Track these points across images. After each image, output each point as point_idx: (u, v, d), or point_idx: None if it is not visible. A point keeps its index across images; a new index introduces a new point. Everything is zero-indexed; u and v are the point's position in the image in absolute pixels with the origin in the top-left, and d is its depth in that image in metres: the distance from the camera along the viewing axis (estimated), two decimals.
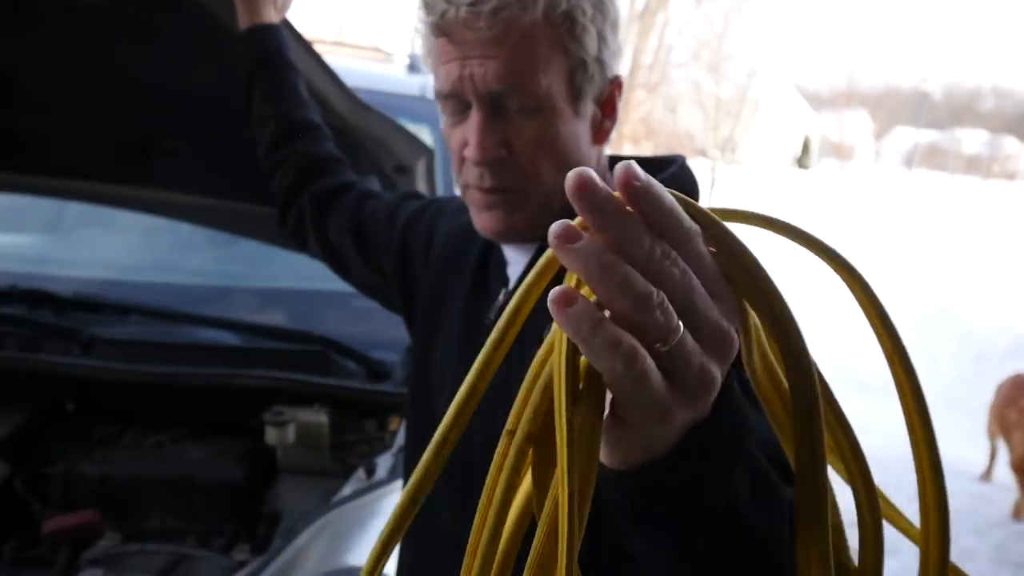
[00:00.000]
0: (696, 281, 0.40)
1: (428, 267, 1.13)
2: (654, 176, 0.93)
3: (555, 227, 0.41)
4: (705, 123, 23.67)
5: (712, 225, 0.43)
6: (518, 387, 0.82)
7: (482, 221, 0.92)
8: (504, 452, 0.45)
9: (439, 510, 1.00)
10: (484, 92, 0.85)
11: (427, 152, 1.76)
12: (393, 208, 1.22)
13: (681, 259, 0.40)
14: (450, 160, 1.15)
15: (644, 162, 1.02)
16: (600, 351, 0.39)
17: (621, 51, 0.92)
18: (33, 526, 1.71)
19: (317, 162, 1.31)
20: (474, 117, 0.86)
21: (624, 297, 0.38)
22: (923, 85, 21.87)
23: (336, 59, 3.05)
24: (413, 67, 3.01)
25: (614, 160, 1.01)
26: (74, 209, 2.33)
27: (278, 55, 1.34)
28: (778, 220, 0.46)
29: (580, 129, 0.91)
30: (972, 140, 59.10)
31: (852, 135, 64.39)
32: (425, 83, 2.77)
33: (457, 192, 1.07)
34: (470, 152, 0.87)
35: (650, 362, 0.39)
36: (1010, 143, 62.59)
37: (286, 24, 1.41)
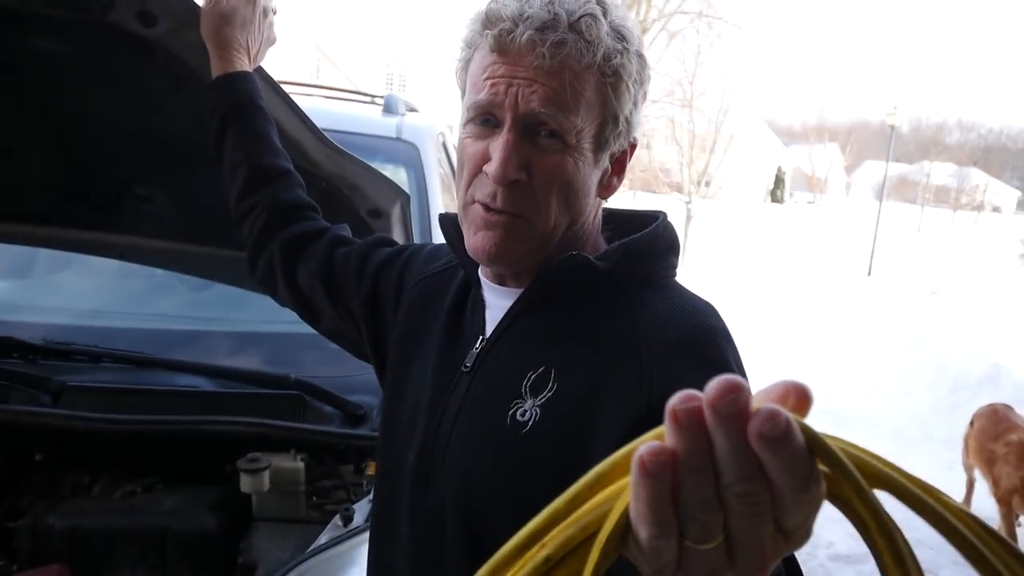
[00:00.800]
0: (764, 525, 0.39)
1: (399, 313, 1.12)
2: (637, 232, 0.96)
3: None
4: (680, 158, 23.94)
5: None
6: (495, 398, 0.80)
7: (478, 240, 0.92)
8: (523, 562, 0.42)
9: (399, 519, 1.00)
10: (523, 112, 0.86)
11: (402, 196, 1.76)
12: (364, 254, 1.21)
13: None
14: (425, 204, 1.15)
15: (628, 218, 1.04)
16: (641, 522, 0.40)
17: (640, 120, 0.96)
18: None
19: (287, 209, 1.31)
20: (504, 135, 0.88)
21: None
22: (890, 119, 22.33)
23: (313, 101, 3.07)
24: (388, 109, 3.01)
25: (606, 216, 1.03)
26: (46, 254, 2.30)
27: (250, 103, 1.34)
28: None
29: (594, 177, 0.93)
30: (940, 172, 60.30)
31: (824, 168, 65.54)
32: (401, 124, 2.78)
33: (435, 237, 1.07)
34: (492, 167, 0.88)
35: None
36: (976, 174, 64.02)
37: (259, 71, 1.42)
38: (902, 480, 0.41)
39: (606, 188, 0.97)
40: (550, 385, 0.88)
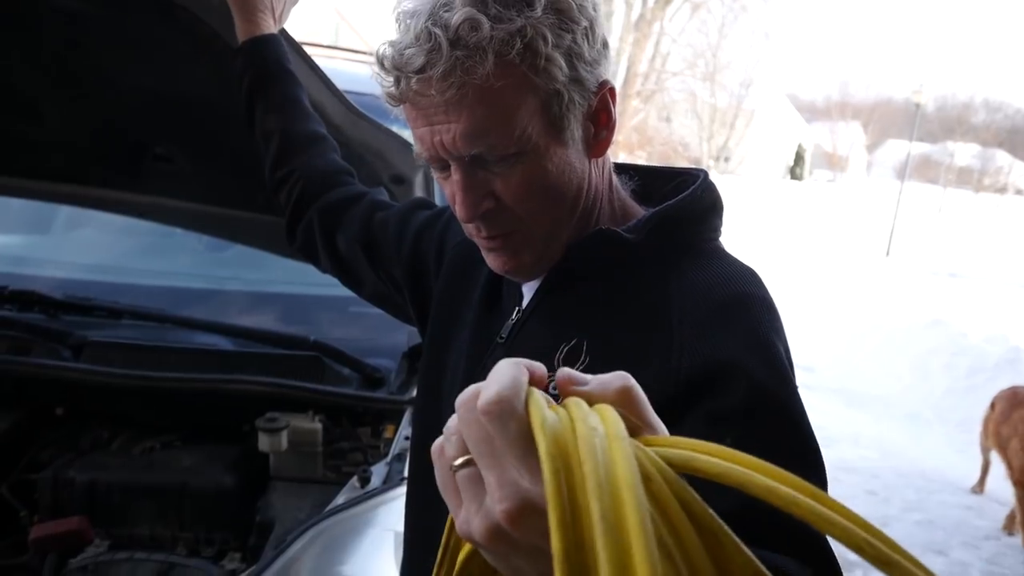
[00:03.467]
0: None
1: (440, 277, 1.11)
2: (675, 196, 0.92)
3: None
4: (700, 132, 23.79)
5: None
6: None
7: (491, 261, 0.91)
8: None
9: (440, 521, 0.99)
10: (455, 154, 0.82)
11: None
12: (404, 218, 1.19)
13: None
14: None
15: (667, 176, 0.99)
16: None
17: (605, 52, 0.87)
18: (20, 533, 1.69)
19: (324, 175, 1.29)
20: (454, 177, 0.84)
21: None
22: (915, 97, 21.96)
23: (332, 63, 3.05)
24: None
25: (621, 168, 0.98)
26: (66, 210, 2.30)
27: (278, 67, 1.31)
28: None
29: (570, 155, 0.87)
30: (963, 153, 59.53)
31: (845, 146, 64.78)
32: None
33: None
34: (457, 211, 0.86)
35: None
36: (1001, 156, 63.12)
37: (283, 33, 1.39)
38: None
39: (597, 146, 0.90)
40: (582, 357, 0.86)
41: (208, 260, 2.28)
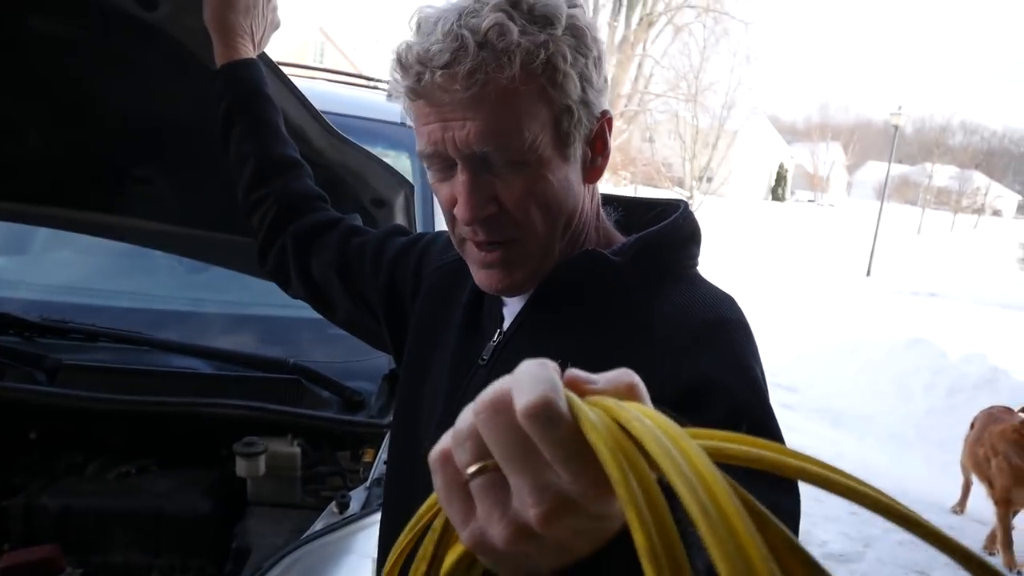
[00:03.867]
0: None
1: (417, 302, 1.11)
2: (656, 224, 0.94)
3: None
4: (683, 153, 23.99)
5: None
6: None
7: (481, 279, 0.91)
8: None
9: (413, 506, 0.99)
10: (466, 152, 0.83)
11: (406, 185, 1.74)
12: (380, 243, 1.20)
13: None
14: (430, 191, 1.11)
15: (646, 205, 1.02)
16: None
17: (607, 86, 0.90)
18: None
19: (298, 200, 1.29)
20: (460, 177, 0.85)
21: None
22: (894, 119, 22.29)
23: (316, 84, 3.05)
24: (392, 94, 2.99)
25: (606, 199, 1.01)
26: (44, 232, 2.28)
27: (256, 91, 1.32)
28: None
29: (571, 174, 0.89)
30: (941, 174, 60.32)
31: (826, 167, 65.54)
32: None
33: (440, 226, 1.05)
34: (459, 212, 0.86)
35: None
36: (978, 177, 64.04)
37: (262, 57, 1.39)
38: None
39: (592, 172, 0.93)
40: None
41: (187, 282, 2.26)
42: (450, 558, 0.50)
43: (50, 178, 1.83)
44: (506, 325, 0.96)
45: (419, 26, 0.84)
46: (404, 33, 0.89)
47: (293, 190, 1.29)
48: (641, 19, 21.87)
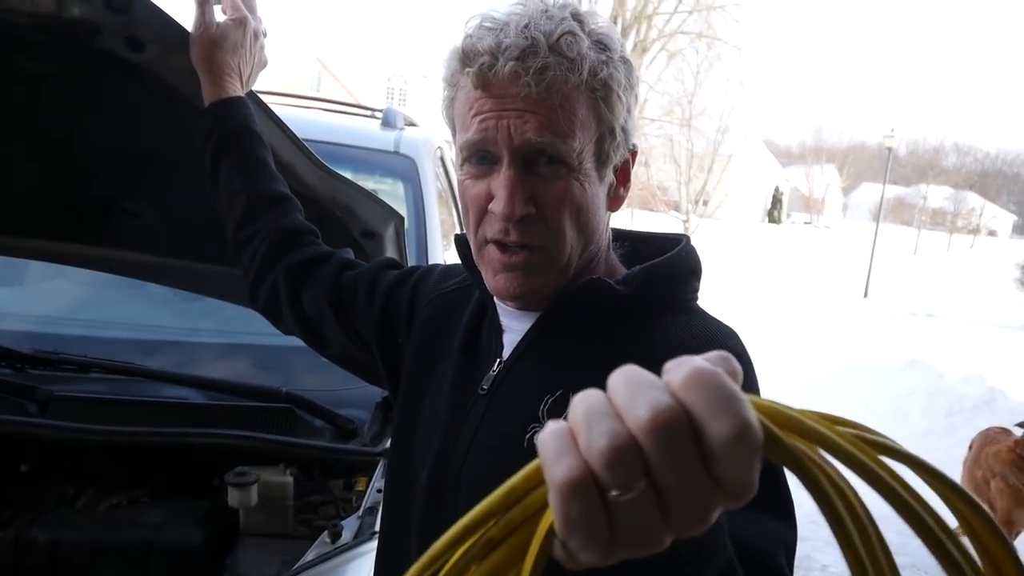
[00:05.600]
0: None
1: (412, 333, 1.10)
2: (658, 255, 0.96)
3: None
4: (678, 177, 24.08)
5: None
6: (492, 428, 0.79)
7: (498, 283, 0.91)
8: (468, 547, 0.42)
9: (408, 538, 0.99)
10: (519, 145, 0.85)
11: (396, 217, 1.75)
12: (373, 277, 1.19)
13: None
14: (422, 218, 1.11)
15: (647, 239, 1.04)
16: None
17: (637, 126, 0.94)
18: None
19: (289, 235, 1.29)
20: (505, 172, 0.86)
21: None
22: (888, 142, 22.45)
23: (312, 113, 3.07)
24: (387, 122, 3.00)
25: (614, 234, 1.02)
26: (35, 264, 2.28)
27: (244, 128, 1.32)
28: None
29: (600, 194, 0.92)
30: (936, 195, 60.61)
31: (821, 189, 65.88)
32: (399, 138, 2.77)
33: (431, 250, 1.04)
34: (498, 207, 0.87)
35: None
36: (972, 198, 64.36)
37: (251, 95, 1.40)
38: (833, 436, 0.41)
39: (615, 201, 0.96)
40: (568, 409, 0.86)
41: (179, 311, 2.26)
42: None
43: (40, 212, 1.83)
44: (506, 354, 0.96)
45: (482, 24, 0.86)
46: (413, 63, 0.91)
47: (283, 225, 1.29)
48: (635, 45, 22.06)
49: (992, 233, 68.95)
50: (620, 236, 1.04)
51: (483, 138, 0.86)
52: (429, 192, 2.55)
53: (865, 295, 19.35)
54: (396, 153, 2.69)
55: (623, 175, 0.96)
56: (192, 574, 1.68)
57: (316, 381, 1.97)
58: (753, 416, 0.38)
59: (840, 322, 13.52)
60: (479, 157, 0.88)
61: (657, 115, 23.14)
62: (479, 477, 0.90)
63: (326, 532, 1.53)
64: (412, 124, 3.13)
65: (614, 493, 0.38)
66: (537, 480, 0.42)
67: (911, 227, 55.63)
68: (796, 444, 0.40)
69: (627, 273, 0.93)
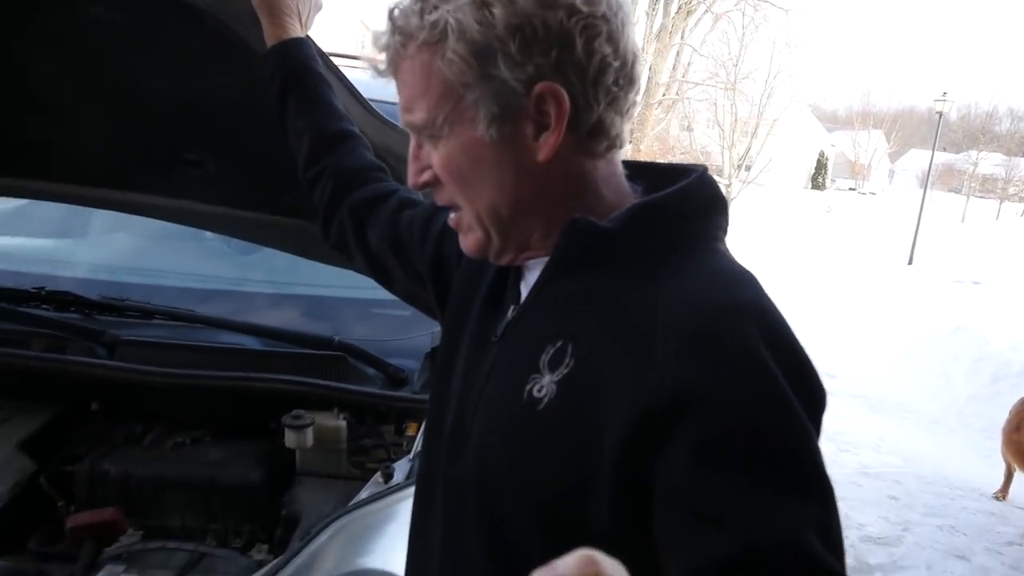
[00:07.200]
0: None
1: (459, 275, 1.09)
2: (668, 187, 0.88)
3: None
4: (721, 141, 23.63)
5: None
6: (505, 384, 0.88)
7: (461, 246, 0.94)
8: None
9: (436, 484, 0.97)
10: (404, 123, 0.88)
11: None
12: (428, 217, 1.18)
13: None
14: None
15: (662, 171, 0.94)
16: None
17: (541, 53, 0.80)
18: (57, 522, 1.72)
19: (353, 173, 1.29)
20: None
21: None
22: (939, 106, 21.62)
23: (358, 72, 3.08)
24: None
25: (631, 165, 0.95)
26: (101, 214, 2.35)
27: (308, 68, 1.33)
28: None
29: (505, 153, 0.84)
30: (987, 162, 58.51)
31: (867, 155, 64.07)
32: None
33: None
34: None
35: None
36: None
37: (311, 40, 1.41)
38: None
39: (541, 148, 0.84)
40: (567, 361, 0.83)
41: (236, 262, 2.32)
42: None
43: (105, 161, 1.88)
44: (522, 299, 0.93)
45: None
46: None
47: (348, 164, 1.29)
48: (679, 7, 21.56)
49: None
50: (646, 171, 0.94)
51: None
52: None
53: (910, 262, 18.90)
54: None
55: (544, 119, 0.82)
56: (252, 510, 1.75)
57: (368, 331, 2.01)
58: None
59: (884, 289, 13.24)
60: None
61: (701, 79, 22.69)
62: (485, 428, 0.89)
63: (379, 473, 1.57)
64: None
65: None
66: None
67: (960, 194, 53.96)
68: None
69: (620, 210, 0.85)
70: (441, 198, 0.91)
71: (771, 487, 0.73)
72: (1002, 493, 4.85)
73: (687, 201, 0.86)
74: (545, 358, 0.84)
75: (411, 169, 0.90)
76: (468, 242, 0.92)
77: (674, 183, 0.88)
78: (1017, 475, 4.69)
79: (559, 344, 0.84)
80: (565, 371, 0.82)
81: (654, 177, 0.93)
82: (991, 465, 5.10)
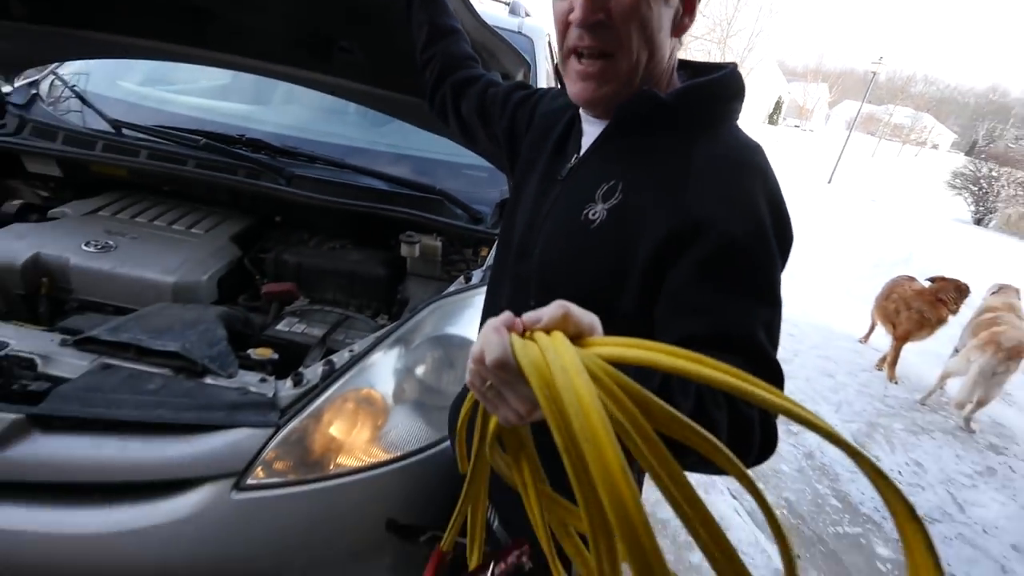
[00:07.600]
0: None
1: (528, 137, 1.04)
2: (707, 76, 0.83)
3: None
4: None
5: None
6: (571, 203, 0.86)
7: (576, 90, 0.83)
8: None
9: (504, 280, 0.96)
10: None
11: (526, 64, 1.64)
12: (507, 94, 1.13)
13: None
14: (535, 83, 1.00)
15: (705, 66, 0.88)
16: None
17: None
18: (255, 288, 1.79)
19: (457, 59, 1.22)
20: None
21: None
22: (874, 67, 19.65)
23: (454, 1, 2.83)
24: (513, 11, 2.80)
25: (683, 64, 0.89)
26: (282, 87, 2.27)
27: None
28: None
29: (666, 15, 0.78)
30: (900, 114, 53.79)
31: (812, 102, 59.17)
32: (521, 23, 2.57)
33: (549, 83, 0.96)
34: (575, 15, 0.77)
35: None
36: (927, 119, 56.90)
37: None
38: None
39: (679, 27, 0.80)
40: (617, 195, 0.80)
41: (366, 128, 2.24)
42: (492, 421, 0.60)
43: (285, 44, 1.78)
44: (583, 151, 0.89)
45: None
46: None
47: (453, 52, 1.22)
48: None
49: (935, 147, 61.40)
50: (686, 66, 0.89)
51: None
52: (541, 65, 2.38)
53: (829, 182, 17.89)
54: (519, 33, 2.49)
55: (689, 5, 0.79)
56: (378, 292, 1.79)
57: (456, 184, 1.96)
58: (501, 355, 0.51)
59: (809, 202, 12.64)
60: None
61: (701, 33, 20.75)
62: (549, 239, 0.86)
63: (462, 276, 1.58)
64: (529, 15, 2.89)
65: (479, 387, 0.55)
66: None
67: (874, 136, 50.02)
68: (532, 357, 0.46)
69: (676, 88, 0.80)
70: (600, 39, 0.77)
71: (740, 292, 0.71)
72: (865, 339, 4.82)
73: (725, 87, 0.82)
74: (600, 192, 0.81)
75: (586, 6, 0.75)
76: (593, 93, 0.80)
77: (710, 74, 0.83)
78: (878, 329, 4.63)
79: (612, 183, 0.81)
80: (615, 201, 0.80)
81: (692, 69, 0.88)
82: (863, 322, 5.04)
